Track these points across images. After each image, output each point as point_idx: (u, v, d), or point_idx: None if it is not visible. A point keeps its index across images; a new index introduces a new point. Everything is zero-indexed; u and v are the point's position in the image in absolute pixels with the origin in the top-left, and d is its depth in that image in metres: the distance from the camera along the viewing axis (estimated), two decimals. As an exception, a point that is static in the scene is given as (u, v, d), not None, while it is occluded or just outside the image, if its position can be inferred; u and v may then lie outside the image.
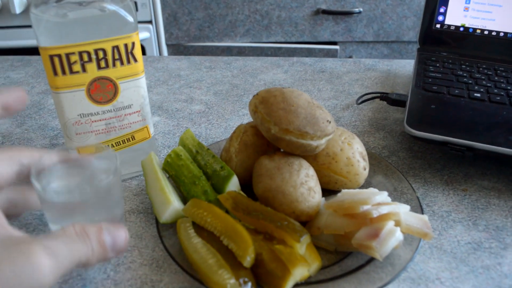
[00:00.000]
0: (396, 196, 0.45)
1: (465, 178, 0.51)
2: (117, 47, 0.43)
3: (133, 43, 0.44)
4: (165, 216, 0.40)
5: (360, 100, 0.67)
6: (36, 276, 0.28)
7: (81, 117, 0.45)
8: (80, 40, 0.41)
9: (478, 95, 0.56)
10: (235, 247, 0.35)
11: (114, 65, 0.44)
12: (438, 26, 0.70)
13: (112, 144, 0.48)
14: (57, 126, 0.63)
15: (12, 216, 0.38)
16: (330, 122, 0.42)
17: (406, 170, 0.52)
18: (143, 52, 1.45)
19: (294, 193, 0.40)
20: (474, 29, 0.69)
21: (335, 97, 0.70)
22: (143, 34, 1.42)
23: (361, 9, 1.44)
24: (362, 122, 0.63)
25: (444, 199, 0.47)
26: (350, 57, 1.54)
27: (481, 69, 0.64)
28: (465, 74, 0.62)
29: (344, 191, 0.40)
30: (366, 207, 0.37)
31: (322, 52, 1.50)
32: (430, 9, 0.70)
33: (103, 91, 0.44)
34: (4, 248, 0.29)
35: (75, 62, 0.42)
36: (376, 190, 0.40)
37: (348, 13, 1.44)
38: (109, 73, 0.44)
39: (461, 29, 0.70)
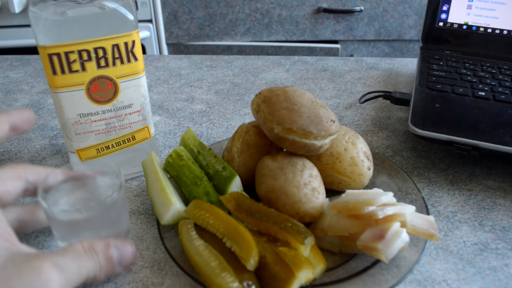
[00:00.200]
0: (401, 196, 0.44)
1: (470, 178, 0.50)
2: (117, 45, 0.42)
3: (133, 42, 0.43)
4: (167, 217, 0.40)
5: (363, 99, 0.66)
6: None
7: (80, 117, 0.44)
8: (79, 39, 0.41)
9: (483, 93, 0.55)
10: (238, 249, 0.34)
11: (114, 64, 0.43)
12: (441, 24, 0.70)
13: (112, 144, 0.47)
14: (57, 126, 0.62)
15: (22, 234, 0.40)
16: (334, 121, 0.42)
17: (410, 170, 0.51)
18: (143, 52, 1.44)
19: (298, 194, 0.39)
20: (478, 27, 0.68)
21: (338, 96, 0.70)
22: (143, 33, 1.41)
23: (362, 8, 1.43)
24: (365, 121, 0.62)
25: (449, 199, 0.47)
26: (351, 55, 1.53)
27: (485, 67, 0.63)
28: (469, 73, 0.61)
29: (348, 191, 0.40)
30: (371, 208, 0.36)
31: (323, 51, 1.49)
32: (433, 7, 0.70)
33: (103, 91, 0.44)
34: (15, 265, 0.30)
35: (74, 61, 0.41)
36: (381, 190, 0.39)
37: (349, 12, 1.44)
38: (109, 72, 0.43)
39: (464, 27, 0.69)
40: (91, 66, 0.42)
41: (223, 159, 0.46)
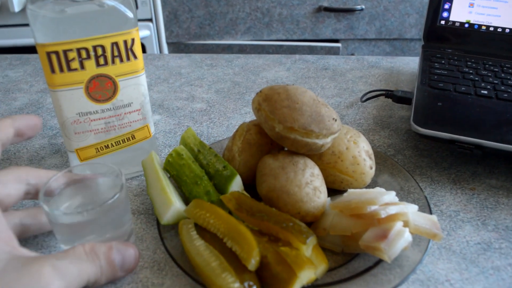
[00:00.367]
0: (403, 195, 0.44)
1: (473, 177, 0.49)
2: (116, 43, 0.42)
3: (133, 40, 0.43)
4: (167, 217, 0.39)
5: (365, 98, 0.66)
6: None
7: (79, 115, 0.44)
8: (78, 37, 0.40)
9: (485, 92, 0.55)
10: (239, 249, 0.34)
11: (113, 62, 0.43)
12: (442, 22, 0.69)
13: (111, 144, 0.47)
14: (56, 125, 0.62)
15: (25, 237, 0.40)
16: (335, 120, 0.41)
17: (412, 169, 0.51)
18: (143, 51, 1.44)
19: (299, 193, 0.39)
20: (479, 26, 0.68)
21: (339, 95, 0.69)
22: (143, 32, 1.41)
23: (363, 7, 1.43)
24: (367, 120, 0.62)
25: (452, 199, 0.46)
26: (352, 54, 1.53)
27: (487, 66, 0.62)
28: (471, 71, 0.61)
29: (350, 190, 0.39)
30: (373, 207, 0.36)
31: (324, 50, 1.49)
32: (434, 5, 0.69)
33: (102, 89, 0.43)
34: (15, 269, 0.30)
35: (73, 59, 0.41)
36: (383, 189, 0.39)
37: (350, 11, 1.43)
38: (108, 70, 0.43)
39: (466, 25, 0.68)
40: (90, 64, 0.42)
41: (223, 158, 0.45)
